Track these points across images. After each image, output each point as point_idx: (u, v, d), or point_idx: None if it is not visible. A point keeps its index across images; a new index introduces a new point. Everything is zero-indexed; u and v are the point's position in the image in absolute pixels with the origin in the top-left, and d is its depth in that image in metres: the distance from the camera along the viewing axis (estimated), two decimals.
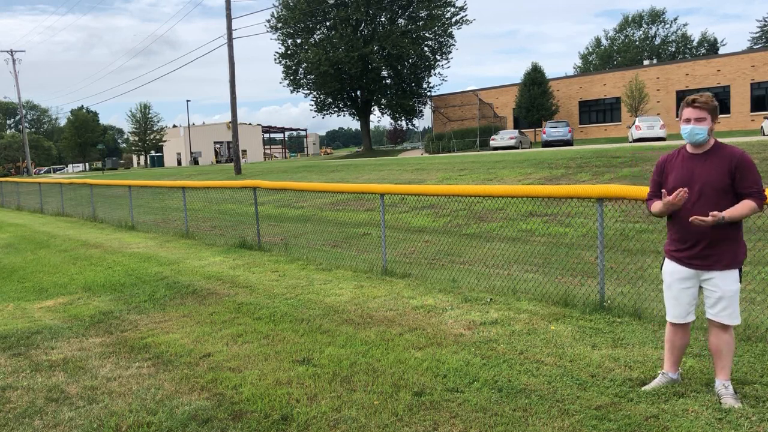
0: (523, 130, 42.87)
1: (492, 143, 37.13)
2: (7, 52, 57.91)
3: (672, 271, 3.73)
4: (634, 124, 32.94)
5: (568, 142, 35.00)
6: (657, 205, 3.69)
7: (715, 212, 3.41)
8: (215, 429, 3.56)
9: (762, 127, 30.96)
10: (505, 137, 36.87)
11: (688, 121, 3.55)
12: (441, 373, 4.21)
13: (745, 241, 3.63)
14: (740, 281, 3.56)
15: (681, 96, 43.08)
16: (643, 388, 3.78)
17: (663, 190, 3.64)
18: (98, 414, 3.82)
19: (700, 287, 3.67)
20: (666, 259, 3.79)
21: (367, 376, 4.22)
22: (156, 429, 3.58)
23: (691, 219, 3.46)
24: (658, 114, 41.55)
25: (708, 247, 3.54)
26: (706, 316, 3.66)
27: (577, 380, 3.98)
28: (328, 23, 50.43)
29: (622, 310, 5.46)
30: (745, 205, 3.44)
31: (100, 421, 3.72)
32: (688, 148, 3.65)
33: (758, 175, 3.49)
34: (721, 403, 3.51)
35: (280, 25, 50.92)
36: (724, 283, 3.53)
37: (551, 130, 35.91)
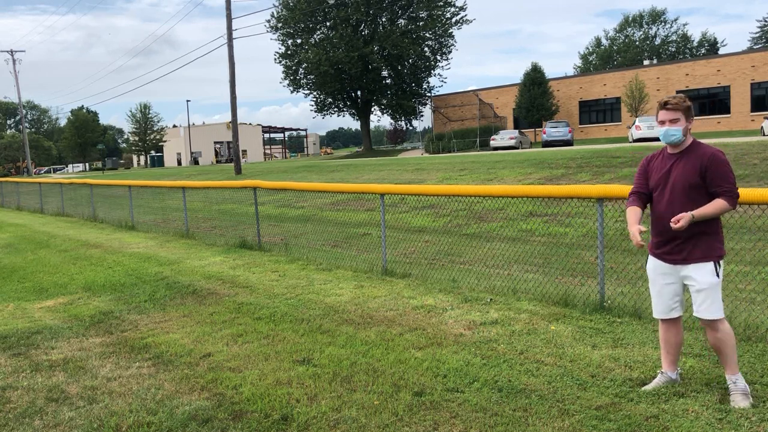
0: (523, 130, 42.87)
1: (492, 143, 37.14)
2: (7, 52, 57.98)
3: (654, 267, 3.82)
4: (634, 124, 32.92)
5: (568, 142, 35.00)
6: (629, 216, 3.81)
7: (682, 214, 3.50)
8: (215, 429, 3.56)
9: (762, 127, 30.95)
10: (505, 137, 36.87)
11: (662, 123, 3.65)
12: (441, 373, 4.21)
13: (723, 237, 3.68)
14: (718, 276, 3.59)
15: None
16: (643, 388, 3.79)
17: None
18: (98, 414, 3.82)
19: (685, 285, 3.72)
20: (649, 256, 3.87)
21: (367, 376, 4.22)
22: (156, 429, 3.58)
23: (674, 227, 3.52)
24: None
25: (682, 242, 3.62)
26: (693, 315, 3.70)
27: (577, 380, 3.98)
28: (328, 23, 50.43)
29: (622, 310, 5.46)
30: (716, 204, 3.51)
31: (100, 421, 3.72)
32: (668, 149, 3.73)
33: (730, 173, 3.55)
34: (730, 402, 3.51)
35: (280, 25, 50.93)
36: (700, 276, 3.58)
37: (551, 130, 35.92)
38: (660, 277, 3.77)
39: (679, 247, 3.64)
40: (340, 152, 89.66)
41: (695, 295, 3.61)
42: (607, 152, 18.89)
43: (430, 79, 54.11)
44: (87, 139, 78.02)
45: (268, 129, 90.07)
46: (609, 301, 5.66)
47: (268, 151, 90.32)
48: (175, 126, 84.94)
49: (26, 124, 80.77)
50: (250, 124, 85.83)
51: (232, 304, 6.51)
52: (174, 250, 10.75)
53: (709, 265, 3.58)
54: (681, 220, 3.50)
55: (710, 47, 73.97)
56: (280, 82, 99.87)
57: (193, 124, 78.91)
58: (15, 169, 78.63)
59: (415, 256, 9.19)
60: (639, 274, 6.97)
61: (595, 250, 7.24)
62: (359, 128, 61.54)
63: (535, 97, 44.38)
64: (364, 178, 20.76)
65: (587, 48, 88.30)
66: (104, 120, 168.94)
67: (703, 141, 3.78)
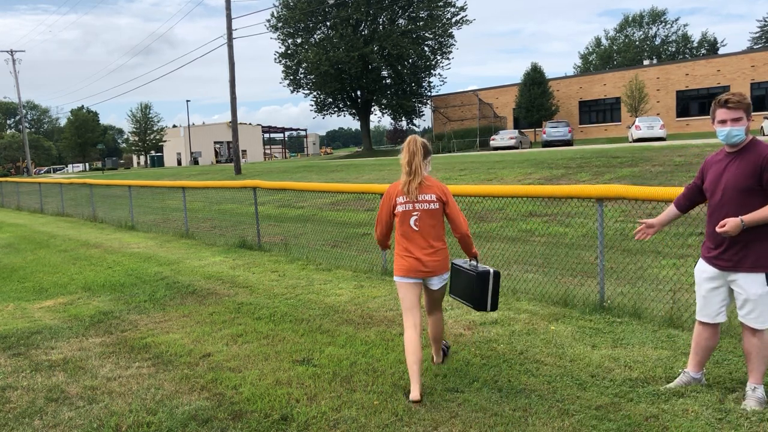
0: (523, 130, 42.89)
1: (492, 143, 37.16)
2: (7, 52, 57.93)
3: (702, 270, 3.66)
4: (634, 124, 32.97)
5: (568, 142, 35.04)
6: (666, 211, 3.90)
7: (729, 219, 3.34)
8: (215, 429, 3.56)
9: (762, 126, 30.97)
10: (505, 137, 36.91)
11: (723, 122, 3.45)
12: (441, 373, 4.21)
13: None
14: None
15: (681, 96, 43.08)
16: (666, 386, 3.77)
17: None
18: (98, 414, 3.82)
19: (731, 289, 3.57)
20: (699, 259, 3.72)
21: (367, 376, 4.22)
22: (156, 429, 3.58)
23: (718, 231, 3.38)
24: (658, 114, 41.57)
25: (733, 248, 3.44)
26: (738, 319, 3.57)
27: (577, 380, 3.98)
28: (328, 23, 50.43)
29: (622, 310, 5.46)
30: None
31: (100, 421, 3.71)
32: (726, 148, 3.56)
33: None
34: (742, 404, 3.49)
35: (280, 24, 50.91)
36: (749, 286, 3.42)
37: (551, 130, 35.96)
38: (706, 282, 3.62)
39: (728, 253, 3.46)
40: (339, 152, 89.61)
41: (742, 302, 3.47)
42: (606, 152, 18.89)
43: (430, 79, 54.14)
44: (87, 139, 77.96)
45: (267, 129, 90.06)
46: (609, 301, 5.66)
47: (267, 151, 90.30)
48: (175, 126, 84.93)
49: (26, 124, 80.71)
50: (249, 124, 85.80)
51: (231, 304, 6.51)
52: (174, 250, 10.75)
53: (760, 277, 3.39)
54: (726, 224, 3.32)
55: (710, 47, 73.96)
56: (280, 82, 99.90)
57: (193, 124, 78.94)
58: (15, 169, 78.62)
59: None
60: (639, 274, 6.97)
61: (595, 250, 7.24)
62: (359, 128, 61.51)
63: (535, 97, 44.40)
64: (364, 178, 20.75)
65: (587, 48, 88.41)
66: (104, 120, 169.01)
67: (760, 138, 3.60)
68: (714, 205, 3.54)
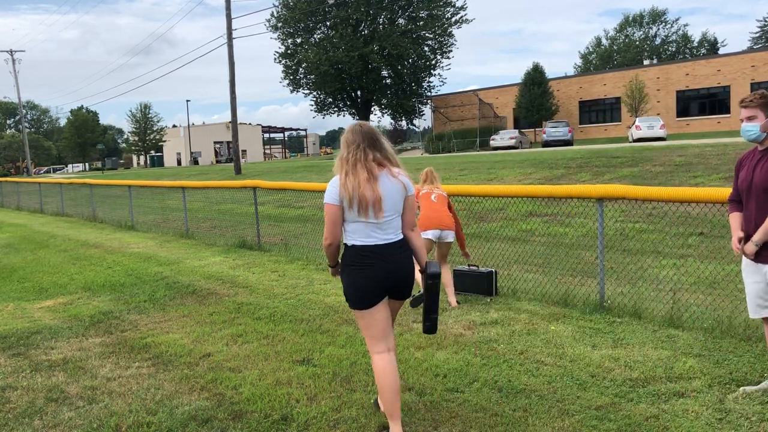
0: (523, 130, 42.86)
1: (492, 143, 37.16)
2: (7, 51, 57.89)
3: (743, 265, 3.69)
4: (634, 124, 32.97)
5: (568, 142, 35.02)
6: (731, 223, 3.74)
7: (749, 244, 3.47)
8: (215, 429, 3.56)
9: None
10: (505, 137, 36.90)
11: (742, 120, 3.52)
12: (441, 373, 4.21)
13: None
14: None
15: (681, 96, 43.08)
16: (752, 387, 3.65)
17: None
18: (98, 414, 3.82)
19: None
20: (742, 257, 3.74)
21: (367, 376, 4.22)
22: (156, 429, 3.58)
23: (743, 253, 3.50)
24: (658, 114, 41.55)
25: (763, 245, 3.48)
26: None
27: (577, 380, 3.98)
28: (328, 23, 50.41)
29: (622, 310, 5.46)
30: None
31: (100, 421, 3.71)
32: (758, 146, 3.57)
33: None
34: (761, 385, 3.50)
35: (280, 24, 50.87)
36: None
37: (551, 130, 35.95)
38: (747, 276, 3.64)
39: (759, 248, 3.50)
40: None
41: (766, 288, 3.50)
42: (607, 152, 18.90)
43: (430, 79, 54.07)
44: (87, 139, 77.92)
45: (267, 129, 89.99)
46: (609, 301, 5.66)
47: (267, 151, 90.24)
48: (174, 126, 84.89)
49: (26, 124, 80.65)
50: (249, 124, 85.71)
51: (232, 304, 6.51)
52: (174, 250, 10.75)
53: None
54: (746, 249, 3.48)
55: (710, 47, 73.92)
56: (280, 82, 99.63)
57: (193, 124, 78.88)
58: (15, 169, 78.61)
59: None
60: (639, 274, 6.97)
61: (595, 250, 7.24)
62: None
63: (535, 97, 44.37)
64: None
65: (587, 48, 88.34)
66: (104, 120, 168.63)
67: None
68: (744, 202, 3.57)
